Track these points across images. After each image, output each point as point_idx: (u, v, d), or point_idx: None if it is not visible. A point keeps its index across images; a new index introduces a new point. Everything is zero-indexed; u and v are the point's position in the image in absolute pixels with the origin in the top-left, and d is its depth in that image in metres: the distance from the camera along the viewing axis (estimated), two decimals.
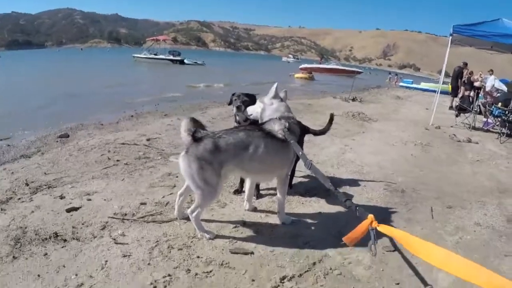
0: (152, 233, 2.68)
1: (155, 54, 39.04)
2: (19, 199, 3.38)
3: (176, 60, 37.54)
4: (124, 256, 2.39)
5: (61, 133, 5.88)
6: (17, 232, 2.72)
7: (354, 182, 4.13)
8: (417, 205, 3.63)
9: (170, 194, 3.41)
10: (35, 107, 8.70)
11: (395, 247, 2.69)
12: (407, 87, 25.75)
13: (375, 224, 1.89)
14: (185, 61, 37.95)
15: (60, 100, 10.01)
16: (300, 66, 34.36)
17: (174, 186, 3.62)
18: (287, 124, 2.65)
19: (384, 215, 3.31)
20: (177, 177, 3.84)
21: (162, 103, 8.51)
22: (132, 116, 7.19)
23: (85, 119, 6.80)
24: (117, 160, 4.48)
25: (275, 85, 2.88)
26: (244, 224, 2.85)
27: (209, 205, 2.77)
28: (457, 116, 9.19)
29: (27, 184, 3.72)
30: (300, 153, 2.47)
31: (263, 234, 2.75)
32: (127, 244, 2.54)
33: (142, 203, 3.19)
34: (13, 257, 2.40)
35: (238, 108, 3.19)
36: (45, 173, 4.08)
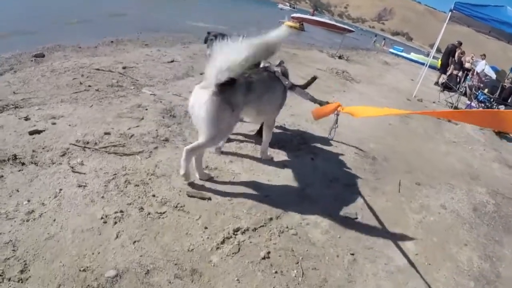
0: (111, 165, 2.45)
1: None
2: None
3: None
4: (79, 186, 2.18)
5: (37, 52, 5.13)
6: None
7: (325, 141, 3.79)
8: (386, 175, 3.40)
9: (137, 126, 3.11)
10: (17, 23, 7.50)
11: (357, 216, 2.57)
12: (396, 55, 24.14)
13: (340, 109, 2.10)
14: None
15: (43, 17, 8.68)
16: (292, 15, 30.92)
17: (142, 118, 3.29)
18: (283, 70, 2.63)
19: (351, 179, 3.10)
20: (146, 109, 3.50)
21: (144, 32, 7.57)
22: (112, 42, 6.35)
23: (64, 40, 5.94)
24: (89, 86, 4.00)
25: None
26: (205, 167, 2.64)
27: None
28: (441, 91, 8.65)
29: None
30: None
31: (224, 181, 2.55)
32: (84, 174, 2.31)
33: (106, 133, 2.88)
34: None
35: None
36: (14, 92, 3.59)
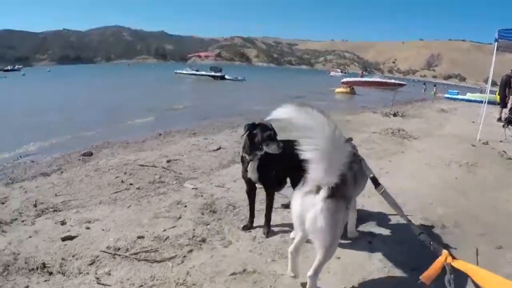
0: (139, 274, 2.62)
1: (197, 70, 43.23)
2: (23, 221, 3.61)
3: (217, 76, 41.11)
4: None
5: (85, 151, 6.26)
6: (8, 258, 2.85)
7: (385, 216, 3.74)
8: (459, 244, 3.25)
9: (173, 227, 3.36)
10: (67, 121, 9.56)
11: None
12: (452, 99, 26.64)
13: (449, 259, 1.92)
14: (226, 76, 41.54)
15: (92, 115, 10.96)
16: (342, 80, 35.63)
17: (179, 217, 3.57)
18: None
19: (417, 261, 2.83)
20: (185, 206, 3.83)
21: (194, 120, 8.80)
22: (160, 134, 7.50)
23: (113, 136, 7.20)
24: (130, 184, 4.61)
25: None
26: (243, 270, 2.66)
27: None
28: (504, 126, 9.01)
29: (35, 206, 3.98)
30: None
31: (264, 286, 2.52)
32: (109, 286, 2.51)
33: (139, 237, 3.17)
34: None
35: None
36: (56, 194, 4.33)
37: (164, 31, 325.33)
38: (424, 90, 37.98)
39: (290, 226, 3.31)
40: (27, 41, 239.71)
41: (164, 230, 3.30)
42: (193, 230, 3.29)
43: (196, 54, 52.06)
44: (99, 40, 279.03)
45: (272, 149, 2.87)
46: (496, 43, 8.68)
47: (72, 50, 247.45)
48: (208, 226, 3.38)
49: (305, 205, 2.12)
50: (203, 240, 3.11)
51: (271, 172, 3.07)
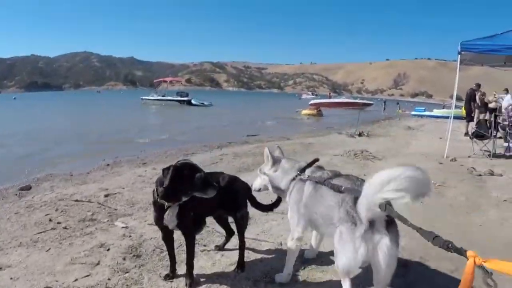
0: None
1: (163, 96, 45.48)
2: None
3: (184, 101, 43.16)
4: None
5: (23, 185, 6.11)
6: None
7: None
8: (424, 284, 3.03)
9: (87, 275, 3.25)
10: (19, 151, 9.43)
11: None
12: (419, 116, 28.12)
13: (479, 261, 1.74)
14: (193, 101, 43.46)
15: (46, 144, 10.90)
16: (310, 102, 38.34)
17: (98, 263, 3.47)
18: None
19: None
20: (108, 249, 3.71)
21: (148, 148, 8.79)
22: (108, 165, 7.41)
23: (57, 167, 7.10)
24: (58, 223, 4.49)
25: (266, 150, 3.03)
26: None
27: None
28: (474, 142, 9.31)
29: None
30: None
31: None
32: None
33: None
34: None
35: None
36: None
37: (133, 57, 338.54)
38: (384, 109, 39.70)
39: (221, 274, 3.24)
40: None
41: (76, 280, 3.18)
42: (108, 279, 3.17)
43: (162, 79, 54.32)
44: (68, 66, 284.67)
45: (209, 193, 2.73)
46: (459, 55, 8.78)
47: (41, 77, 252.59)
48: (127, 274, 3.26)
49: (378, 247, 2.14)
50: None
51: (190, 216, 2.91)
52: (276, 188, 3.00)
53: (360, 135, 13.09)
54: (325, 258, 3.44)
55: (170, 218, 2.80)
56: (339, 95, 64.63)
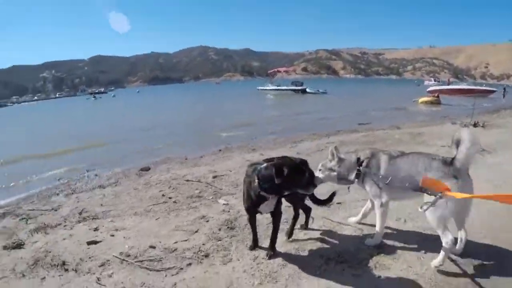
0: (133, 280, 3.11)
1: (278, 85, 49.13)
2: (65, 226, 4.54)
3: (298, 90, 46.23)
4: None
5: (144, 166, 7.29)
6: (41, 255, 3.70)
7: (415, 244, 3.52)
8: None
9: (185, 240, 3.81)
10: (138, 137, 11.25)
11: None
12: None
13: (444, 191, 2.79)
14: (307, 90, 46.41)
15: (167, 131, 12.72)
16: (428, 89, 38.71)
17: (196, 231, 4.01)
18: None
19: None
20: (207, 221, 4.26)
21: (259, 135, 9.41)
22: (220, 150, 8.25)
23: (175, 152, 8.24)
24: (169, 198, 5.30)
25: (331, 149, 3.59)
26: None
27: None
28: None
29: (80, 213, 4.94)
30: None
31: None
32: (104, 286, 3.05)
33: (151, 246, 3.70)
34: (22, 275, 3.34)
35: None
36: (101, 204, 5.26)
37: (249, 48, 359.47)
38: (504, 96, 36.37)
39: (297, 252, 3.48)
40: (118, 65, 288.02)
41: (176, 242, 3.77)
42: (203, 244, 3.68)
43: (277, 69, 58.77)
44: (186, 60, 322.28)
45: (310, 190, 3.17)
46: None
47: (161, 71, 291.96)
48: (219, 242, 3.72)
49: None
50: (206, 255, 3.47)
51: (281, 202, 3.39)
52: (345, 180, 3.59)
53: (475, 125, 12.41)
54: (392, 248, 3.53)
55: (267, 207, 3.27)
56: (462, 81, 59.41)
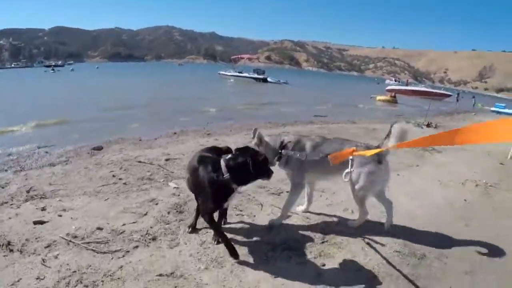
0: (79, 262, 3.20)
1: (240, 72, 49.32)
2: (11, 204, 4.48)
3: (259, 79, 46.65)
4: (37, 278, 2.97)
5: (96, 145, 7.21)
6: None
7: (358, 236, 3.85)
8: (431, 283, 3.20)
9: (133, 222, 3.93)
10: (94, 116, 11.10)
11: None
12: (498, 112, 28.53)
13: (355, 153, 3.20)
14: (268, 79, 47.11)
15: (118, 111, 12.67)
16: (386, 88, 40.65)
17: (146, 214, 4.13)
18: None
19: None
20: (156, 204, 4.39)
21: (216, 121, 9.57)
22: (175, 133, 8.31)
23: (129, 133, 8.20)
24: (119, 179, 5.34)
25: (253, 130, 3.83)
26: (171, 274, 3.09)
27: None
28: None
29: (28, 192, 4.88)
30: None
31: None
32: (49, 267, 3.12)
33: (98, 228, 3.79)
34: None
35: None
36: (50, 183, 5.21)
37: (214, 32, 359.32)
38: (457, 100, 38.65)
39: (243, 238, 3.71)
40: (79, 38, 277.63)
41: (124, 225, 3.88)
42: (150, 227, 3.82)
43: (240, 56, 60.14)
44: (150, 39, 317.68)
45: (269, 178, 3.28)
46: None
47: (124, 48, 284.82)
48: (167, 225, 3.87)
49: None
50: (154, 239, 3.62)
51: None
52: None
53: (428, 125, 13.41)
54: (337, 238, 3.84)
55: (233, 199, 3.43)
56: (420, 83, 64.57)
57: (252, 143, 3.75)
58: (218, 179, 3.11)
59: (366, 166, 3.67)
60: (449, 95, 42.26)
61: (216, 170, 3.13)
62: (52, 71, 71.54)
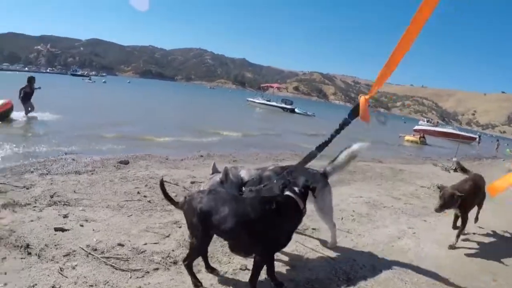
0: (97, 277, 3.10)
1: (268, 100, 49.53)
2: (35, 206, 4.48)
3: (287, 108, 47.15)
4: (52, 287, 2.88)
5: (123, 159, 7.24)
6: (4, 233, 3.65)
7: (382, 284, 3.62)
8: None
9: (155, 243, 3.82)
10: (128, 129, 11.30)
11: None
12: None
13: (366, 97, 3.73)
14: (296, 110, 47.38)
15: (148, 127, 13.04)
16: (414, 128, 40.23)
17: (168, 236, 4.03)
18: None
19: None
20: (180, 227, 4.28)
21: (242, 148, 9.61)
22: (201, 156, 8.33)
23: (156, 150, 8.27)
24: (144, 196, 5.29)
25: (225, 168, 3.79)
26: None
27: None
28: None
29: (52, 196, 4.87)
30: None
31: None
32: (66, 277, 3.04)
33: (120, 244, 3.70)
34: None
35: None
36: (74, 191, 5.21)
37: (245, 59, 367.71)
38: (478, 143, 40.12)
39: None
40: (114, 51, 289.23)
41: (145, 244, 3.78)
42: (172, 250, 3.70)
43: (270, 84, 60.77)
44: (181, 60, 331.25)
45: None
46: None
47: (156, 66, 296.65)
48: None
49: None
50: (175, 262, 3.49)
51: None
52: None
53: (455, 170, 12.70)
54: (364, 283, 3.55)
55: None
56: (448, 124, 63.77)
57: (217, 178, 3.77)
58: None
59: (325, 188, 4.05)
60: (475, 138, 42.48)
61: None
62: (89, 80, 75.06)
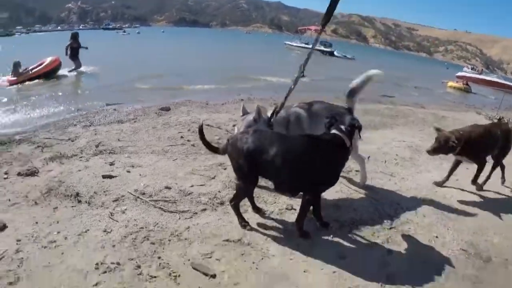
0: (146, 219, 3.08)
1: (306, 44, 47.05)
2: (81, 157, 4.51)
3: (326, 52, 45.51)
4: (104, 231, 2.88)
5: (164, 105, 7.18)
6: (54, 184, 3.69)
7: (426, 228, 3.46)
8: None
9: (201, 185, 3.75)
10: (166, 79, 11.25)
11: None
12: None
13: None
14: (335, 53, 46.02)
15: (185, 74, 12.95)
16: (457, 74, 37.30)
17: (214, 177, 3.95)
18: None
19: None
20: (225, 169, 4.18)
21: (283, 91, 9.28)
22: (242, 99, 8.10)
23: (196, 96, 8.15)
24: (188, 140, 5.23)
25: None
26: (238, 241, 2.88)
27: None
28: None
29: (96, 146, 4.90)
30: None
31: (249, 260, 2.71)
32: (116, 221, 3.02)
33: (167, 187, 3.65)
34: (35, 202, 3.32)
35: None
36: (118, 139, 5.21)
37: (280, 2, 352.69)
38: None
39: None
40: (146, 2, 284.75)
41: (192, 186, 3.72)
42: (218, 191, 3.62)
43: (307, 27, 57.56)
44: (215, 5, 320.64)
45: None
46: None
47: (189, 14, 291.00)
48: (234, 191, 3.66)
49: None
50: (221, 203, 3.41)
51: None
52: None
53: (499, 120, 11.78)
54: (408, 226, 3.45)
55: None
56: (492, 72, 58.80)
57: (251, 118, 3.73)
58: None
59: None
60: None
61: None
62: (123, 33, 75.07)
